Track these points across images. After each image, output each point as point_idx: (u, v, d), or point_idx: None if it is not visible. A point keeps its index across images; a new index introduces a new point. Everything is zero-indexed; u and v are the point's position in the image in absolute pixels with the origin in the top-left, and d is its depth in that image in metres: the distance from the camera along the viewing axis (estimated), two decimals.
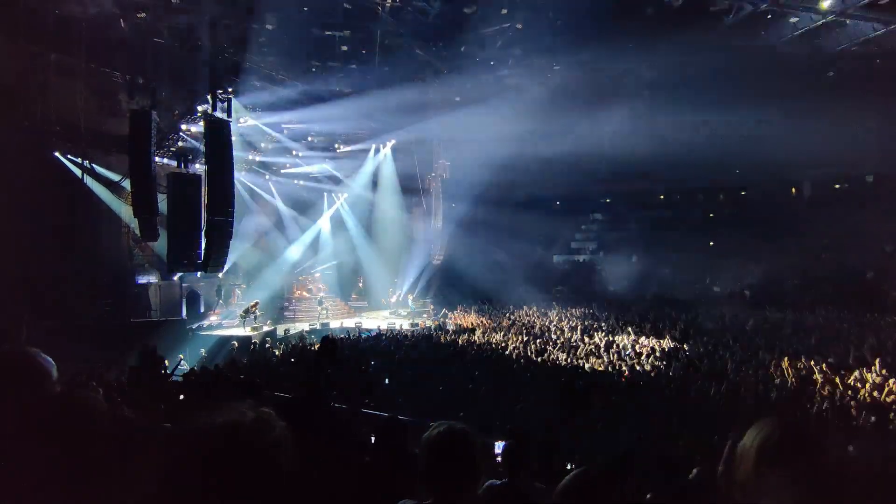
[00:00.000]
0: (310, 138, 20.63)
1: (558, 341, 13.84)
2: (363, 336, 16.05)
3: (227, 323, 18.73)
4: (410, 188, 23.86)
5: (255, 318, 17.79)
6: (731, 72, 16.82)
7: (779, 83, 17.19)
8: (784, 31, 15.37)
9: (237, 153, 14.84)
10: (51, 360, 1.67)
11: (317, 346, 13.58)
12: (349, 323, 19.98)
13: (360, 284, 25.06)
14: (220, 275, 17.33)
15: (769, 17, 14.88)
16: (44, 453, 1.26)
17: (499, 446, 3.78)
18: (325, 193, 24.27)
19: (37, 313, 12.02)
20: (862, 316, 15.72)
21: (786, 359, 10.22)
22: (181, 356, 12.90)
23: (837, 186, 24.47)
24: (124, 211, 15.21)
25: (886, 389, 7.91)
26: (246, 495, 0.98)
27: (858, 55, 15.93)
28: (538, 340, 13.87)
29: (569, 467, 4.49)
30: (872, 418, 6.40)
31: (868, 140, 18.20)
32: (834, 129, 16.96)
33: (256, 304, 17.91)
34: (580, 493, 1.45)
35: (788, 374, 9.39)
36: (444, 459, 1.61)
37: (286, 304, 21.89)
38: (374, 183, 23.52)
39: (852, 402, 7.54)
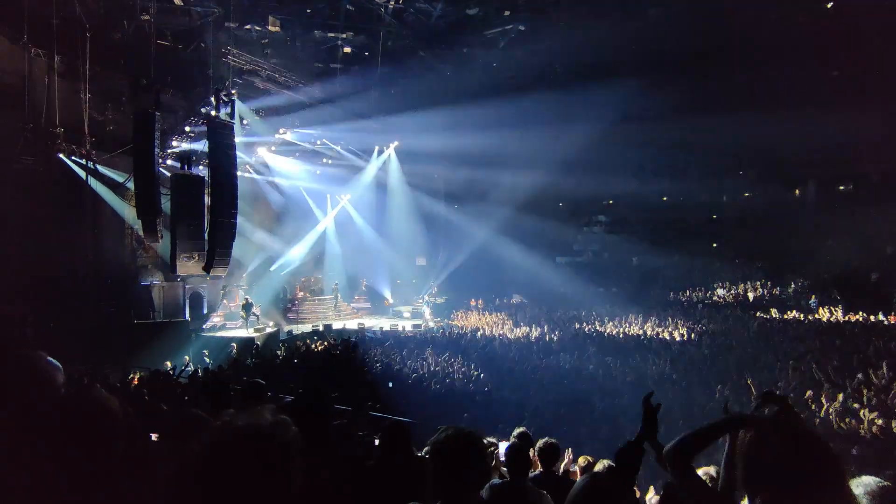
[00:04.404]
0: (313, 139, 20.65)
1: (562, 342, 13.79)
2: (367, 337, 16.03)
3: (231, 324, 18.74)
4: (414, 189, 23.85)
5: (258, 318, 17.81)
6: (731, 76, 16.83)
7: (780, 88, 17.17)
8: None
9: (240, 154, 14.86)
10: (57, 363, 1.67)
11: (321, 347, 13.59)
12: (352, 324, 19.96)
13: (364, 286, 25.05)
14: (223, 276, 17.34)
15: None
16: (57, 454, 1.26)
17: (503, 447, 3.76)
18: (329, 195, 24.27)
19: (41, 315, 12.05)
20: (867, 318, 15.62)
21: (790, 361, 10.15)
22: (187, 358, 12.92)
23: (842, 188, 24.34)
24: (127, 212, 15.24)
25: (892, 392, 7.83)
26: (261, 496, 1.01)
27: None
28: (542, 342, 13.83)
29: (573, 468, 4.48)
30: (879, 422, 6.34)
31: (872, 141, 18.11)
32: (836, 129, 16.90)
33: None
34: (592, 498, 1.44)
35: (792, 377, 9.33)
36: (452, 463, 1.62)
37: (289, 305, 21.88)
38: (378, 184, 23.53)
39: (857, 405, 7.47)
